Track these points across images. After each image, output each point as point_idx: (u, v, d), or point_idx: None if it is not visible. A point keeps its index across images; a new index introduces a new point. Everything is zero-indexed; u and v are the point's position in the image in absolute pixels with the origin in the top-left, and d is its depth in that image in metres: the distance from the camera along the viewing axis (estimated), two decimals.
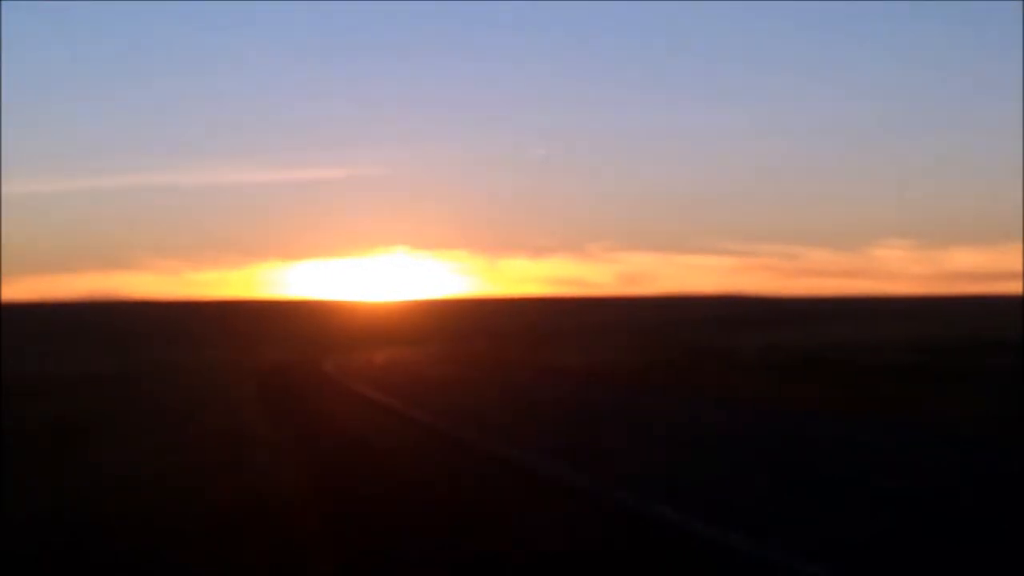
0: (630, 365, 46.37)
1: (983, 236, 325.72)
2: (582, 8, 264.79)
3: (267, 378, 45.25)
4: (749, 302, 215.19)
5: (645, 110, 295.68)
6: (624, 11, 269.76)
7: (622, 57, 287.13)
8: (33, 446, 19.76)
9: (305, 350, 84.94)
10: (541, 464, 15.82)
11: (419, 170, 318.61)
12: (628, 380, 37.68)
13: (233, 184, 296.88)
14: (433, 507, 12.54)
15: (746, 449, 17.75)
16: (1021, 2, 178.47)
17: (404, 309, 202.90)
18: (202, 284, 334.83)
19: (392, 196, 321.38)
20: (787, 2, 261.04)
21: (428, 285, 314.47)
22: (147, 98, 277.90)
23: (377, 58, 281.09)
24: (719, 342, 72.53)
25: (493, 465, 16.17)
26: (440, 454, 17.94)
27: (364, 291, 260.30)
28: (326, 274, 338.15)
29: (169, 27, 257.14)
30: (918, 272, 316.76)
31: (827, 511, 11.81)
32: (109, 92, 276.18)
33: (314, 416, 26.23)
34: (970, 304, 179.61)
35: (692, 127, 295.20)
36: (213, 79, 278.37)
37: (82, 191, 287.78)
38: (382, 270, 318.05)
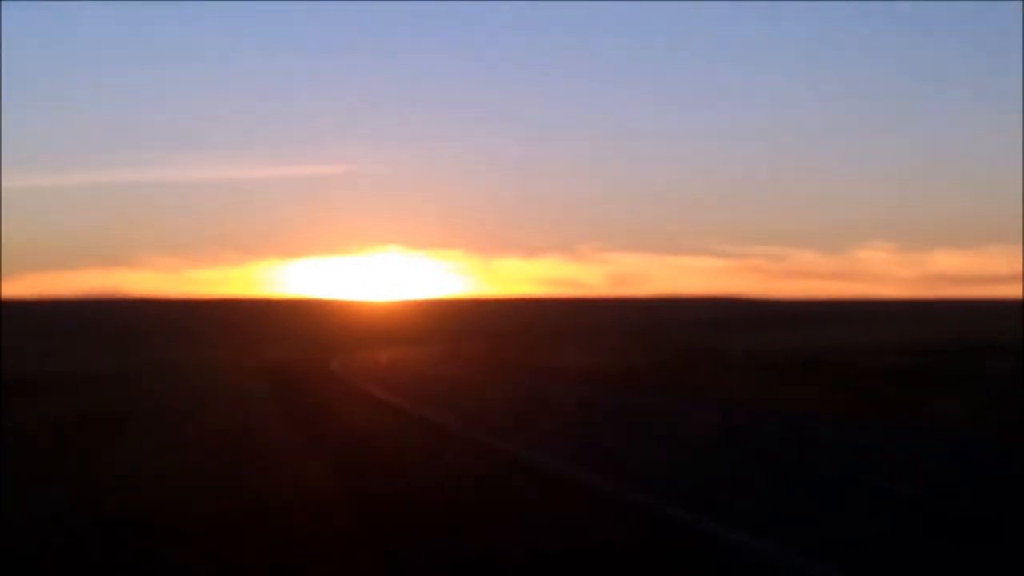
0: (626, 366, 46.45)
1: (966, 239, 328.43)
2: (576, 11, 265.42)
3: (273, 378, 44.83)
4: (739, 303, 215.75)
5: (637, 113, 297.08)
6: (617, 15, 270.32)
7: (615, 61, 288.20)
8: (33, 446, 19.75)
9: (306, 349, 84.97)
10: (547, 463, 15.93)
11: (415, 170, 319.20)
12: (626, 381, 37.73)
13: (231, 181, 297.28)
14: (441, 505, 12.54)
15: (745, 449, 17.76)
16: (1021, 2, 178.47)
17: (402, 308, 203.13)
18: (202, 282, 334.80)
19: (388, 195, 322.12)
20: (778, 6, 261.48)
21: (423, 284, 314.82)
22: (147, 95, 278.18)
23: (375, 59, 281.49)
24: (711, 343, 72.57)
25: (501, 464, 16.32)
26: (450, 453, 18.05)
27: (361, 290, 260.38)
28: (323, 272, 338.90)
29: (170, 25, 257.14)
30: (903, 274, 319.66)
31: (827, 511, 11.81)
32: (110, 89, 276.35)
33: (325, 416, 26.05)
34: (955, 307, 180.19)
35: (682, 130, 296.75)
36: (214, 78, 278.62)
37: (82, 188, 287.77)
38: (377, 269, 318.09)
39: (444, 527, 11.25)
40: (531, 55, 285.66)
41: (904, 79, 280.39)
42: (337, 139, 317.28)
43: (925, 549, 9.83)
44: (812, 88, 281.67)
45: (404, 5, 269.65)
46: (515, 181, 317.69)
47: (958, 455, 16.90)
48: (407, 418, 24.94)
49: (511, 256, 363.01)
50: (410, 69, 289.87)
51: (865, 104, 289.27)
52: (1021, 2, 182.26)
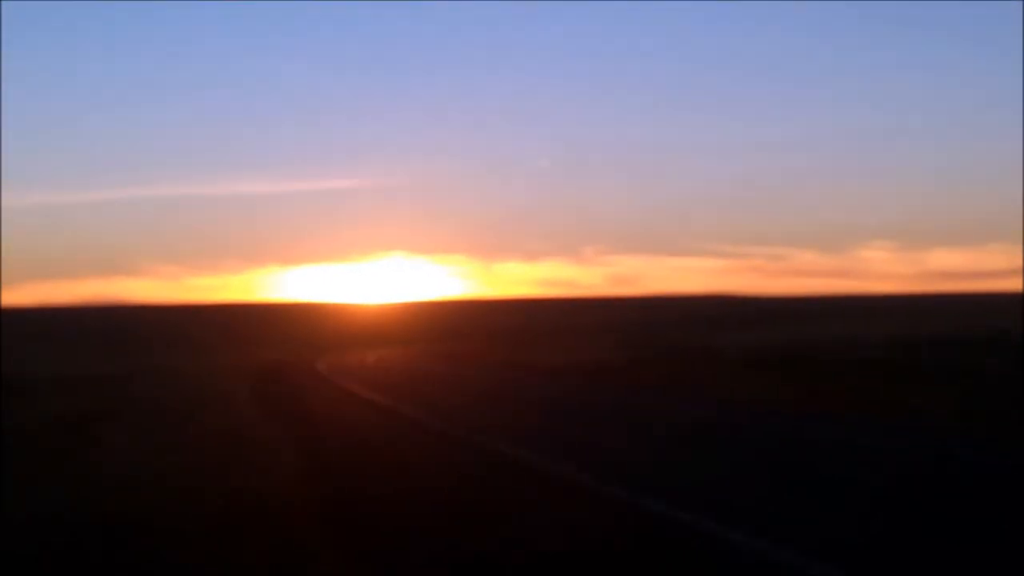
0: (621, 363, 46.68)
1: (964, 238, 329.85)
2: (575, 19, 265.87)
3: (264, 377, 45.56)
4: (738, 302, 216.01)
5: (636, 119, 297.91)
6: (615, 22, 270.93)
7: (614, 68, 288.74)
8: (33, 446, 19.75)
9: (301, 351, 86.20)
10: (525, 456, 16.25)
11: (416, 177, 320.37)
12: (620, 379, 37.82)
13: (232, 192, 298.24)
14: (414, 495, 13.07)
15: (742, 447, 17.77)
16: (1021, 2, 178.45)
17: (400, 310, 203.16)
18: (202, 289, 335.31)
19: (389, 203, 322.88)
20: (774, 11, 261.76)
21: (425, 288, 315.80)
22: (148, 109, 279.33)
23: (373, 69, 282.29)
24: (704, 340, 72.75)
25: (469, 456, 17.08)
26: (423, 445, 18.80)
27: (361, 295, 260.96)
28: (324, 278, 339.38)
29: (170, 39, 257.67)
30: (902, 272, 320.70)
31: (827, 511, 11.78)
32: (111, 103, 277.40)
33: (307, 412, 27.06)
34: (952, 301, 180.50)
35: (681, 134, 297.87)
36: (211, 91, 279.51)
37: (84, 201, 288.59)
38: (380, 274, 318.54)
39: (409, 510, 11.55)
40: (531, 64, 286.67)
41: (903, 80, 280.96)
42: (337, 152, 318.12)
43: (924, 548, 9.81)
44: (812, 90, 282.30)
45: (403, 17, 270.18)
46: (516, 187, 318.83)
47: (956, 451, 16.85)
48: (374, 409, 27.22)
49: (512, 260, 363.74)
50: (407, 81, 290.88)
51: (865, 105, 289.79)
52: (1021, 2, 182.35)
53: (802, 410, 23.71)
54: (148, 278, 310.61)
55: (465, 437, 19.61)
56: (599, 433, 20.33)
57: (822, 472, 14.59)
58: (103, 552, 10.29)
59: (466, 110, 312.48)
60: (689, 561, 9.46)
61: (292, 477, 14.82)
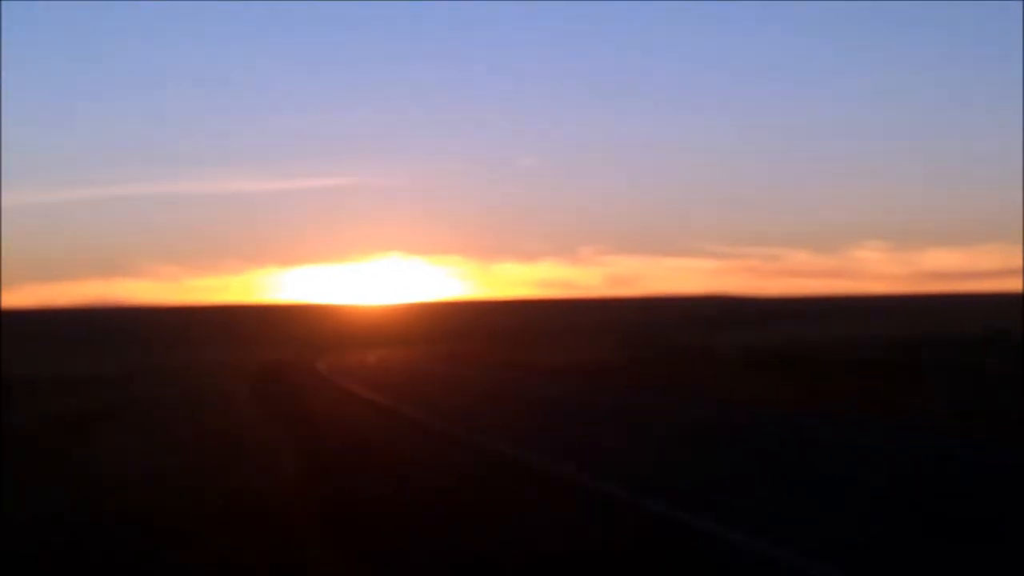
0: (620, 364, 46.73)
1: (958, 238, 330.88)
2: (571, 19, 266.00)
3: (264, 377, 45.59)
4: (734, 302, 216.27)
5: (632, 119, 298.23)
6: (611, 22, 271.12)
7: (609, 69, 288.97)
8: (33, 446, 19.75)
9: (301, 351, 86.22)
10: (525, 457, 16.26)
11: (414, 178, 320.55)
12: (619, 379, 37.85)
13: (231, 193, 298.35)
14: (414, 495, 13.09)
15: (742, 447, 17.77)
16: (1021, 2, 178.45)
17: (399, 311, 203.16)
18: (201, 290, 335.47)
19: (388, 204, 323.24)
20: (768, 11, 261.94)
21: (423, 289, 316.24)
22: (146, 109, 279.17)
23: (371, 70, 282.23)
24: (707, 341, 72.76)
25: (469, 456, 17.11)
26: (423, 445, 18.80)
27: (360, 295, 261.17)
28: (323, 279, 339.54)
29: (170, 39, 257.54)
30: (896, 272, 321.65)
31: (827, 511, 11.78)
32: (109, 103, 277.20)
33: (307, 412, 27.15)
34: (947, 302, 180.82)
35: (677, 135, 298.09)
36: (210, 92, 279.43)
37: (84, 201, 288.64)
38: (378, 275, 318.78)
39: (409, 510, 11.61)
40: (528, 65, 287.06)
41: (899, 80, 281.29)
42: (335, 152, 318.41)
43: (924, 547, 9.81)
44: (807, 91, 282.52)
45: (400, 17, 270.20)
46: (513, 188, 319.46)
47: (957, 453, 16.84)
48: (374, 409, 27.41)
49: (510, 260, 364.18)
50: (405, 82, 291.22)
51: (860, 106, 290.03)
52: (1021, 2, 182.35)
53: (802, 410, 23.72)
54: (148, 279, 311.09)
55: (465, 437, 19.62)
56: (599, 433, 20.34)
57: (822, 472, 14.59)
58: (103, 552, 10.29)
59: (463, 111, 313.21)
60: (689, 561, 9.46)
61: (292, 477, 14.82)
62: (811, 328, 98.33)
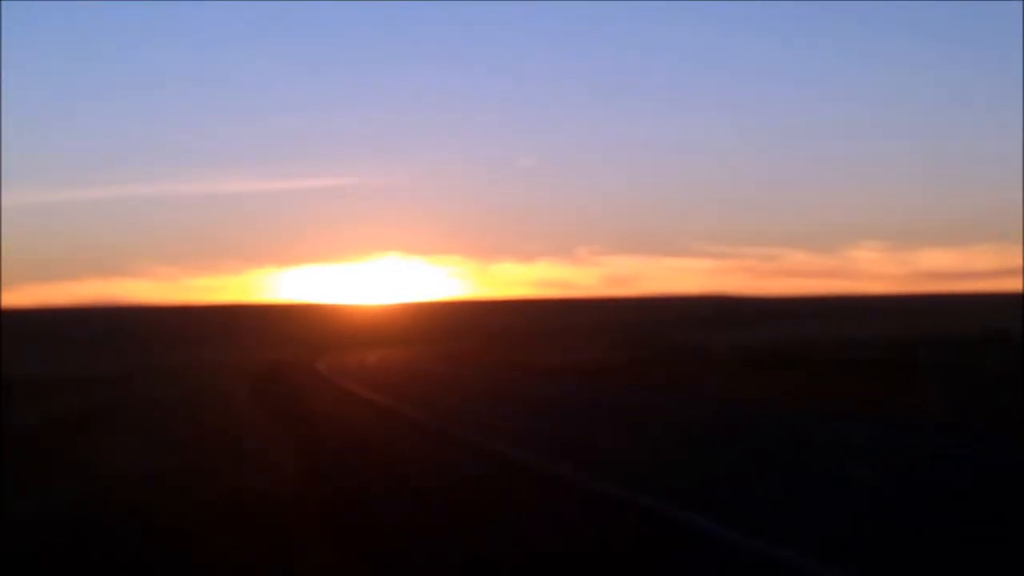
0: (617, 364, 46.76)
1: (954, 238, 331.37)
2: (568, 20, 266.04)
3: (264, 378, 45.61)
4: (731, 302, 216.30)
5: (629, 120, 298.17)
6: (607, 23, 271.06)
7: (607, 69, 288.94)
8: (34, 446, 19.79)
9: (300, 351, 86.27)
10: (523, 456, 16.29)
11: (413, 178, 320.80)
12: (617, 379, 37.88)
13: (229, 193, 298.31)
14: (413, 495, 13.16)
15: (739, 446, 17.81)
16: (1021, 2, 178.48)
17: (397, 311, 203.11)
18: (200, 290, 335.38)
19: (386, 204, 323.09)
20: (765, 11, 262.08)
21: (422, 289, 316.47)
22: (146, 109, 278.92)
23: (370, 70, 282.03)
24: (704, 341, 72.78)
25: (468, 456, 17.17)
26: (422, 445, 18.85)
27: (359, 295, 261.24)
28: (321, 279, 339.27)
29: (168, 40, 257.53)
30: (892, 272, 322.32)
31: (825, 510, 11.82)
32: (109, 103, 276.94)
33: (307, 412, 27.23)
34: (944, 302, 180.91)
35: (674, 135, 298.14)
36: (210, 92, 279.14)
37: (83, 201, 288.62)
38: (376, 275, 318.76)
39: (408, 510, 11.65)
40: (525, 65, 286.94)
41: (896, 81, 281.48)
42: (334, 153, 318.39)
43: (923, 548, 9.85)
44: (804, 92, 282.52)
45: (400, 17, 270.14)
46: (510, 188, 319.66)
47: (954, 453, 16.89)
48: (374, 409, 27.61)
49: (508, 260, 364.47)
50: (403, 82, 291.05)
51: (856, 106, 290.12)
52: (1021, 2, 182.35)
53: (799, 410, 23.76)
54: (147, 279, 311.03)
55: (464, 437, 19.67)
56: (596, 433, 20.39)
57: (820, 471, 14.63)
58: (103, 552, 10.33)
59: (462, 111, 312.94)
60: (686, 561, 9.51)
61: (292, 477, 14.86)
62: (808, 328, 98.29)
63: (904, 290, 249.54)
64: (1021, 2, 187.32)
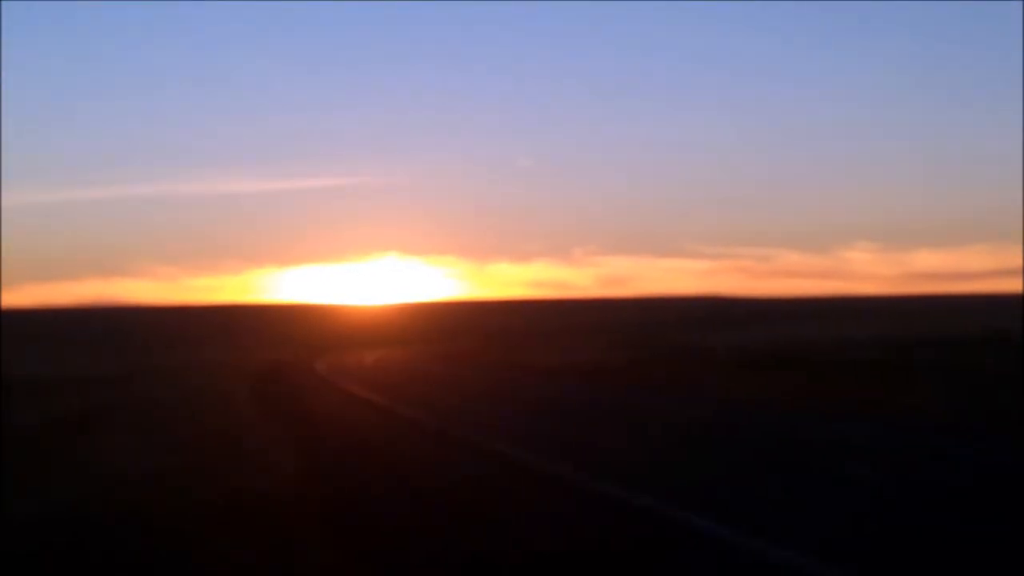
0: (616, 364, 46.80)
1: (947, 239, 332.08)
2: (566, 21, 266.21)
3: (263, 378, 45.63)
4: (726, 303, 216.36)
5: (626, 121, 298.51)
6: (605, 24, 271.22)
7: (603, 71, 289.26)
8: (34, 446, 19.79)
9: (299, 351, 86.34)
10: (523, 456, 16.28)
11: (412, 179, 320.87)
12: (616, 379, 37.91)
13: (229, 193, 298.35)
14: (413, 495, 13.15)
15: (739, 446, 17.82)
16: (1021, 2, 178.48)
17: (395, 311, 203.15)
18: (199, 290, 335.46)
19: (385, 204, 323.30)
20: (761, 13, 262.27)
21: (419, 289, 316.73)
22: (146, 109, 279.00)
23: (368, 71, 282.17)
24: (702, 341, 72.83)
25: (467, 456, 17.17)
26: (422, 446, 18.82)
27: (357, 295, 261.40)
28: (320, 279, 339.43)
29: (168, 41, 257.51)
30: (886, 273, 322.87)
31: (824, 510, 11.82)
32: (109, 103, 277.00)
33: (306, 412, 27.26)
34: (937, 303, 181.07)
35: (670, 137, 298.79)
36: (210, 92, 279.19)
37: (83, 201, 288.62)
38: (374, 275, 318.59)
39: (408, 510, 11.67)
40: (525, 66, 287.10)
41: (891, 82, 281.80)
42: (332, 154, 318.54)
43: (922, 548, 9.86)
44: (799, 93, 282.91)
45: (400, 17, 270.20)
46: (508, 189, 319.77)
47: (953, 452, 16.90)
48: (373, 409, 27.71)
49: (504, 261, 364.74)
50: (401, 83, 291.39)
51: (852, 107, 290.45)
52: (1021, 2, 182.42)
53: (799, 410, 23.78)
54: (147, 279, 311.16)
55: (463, 437, 19.67)
56: (596, 433, 20.39)
57: (820, 471, 14.63)
58: (103, 552, 10.33)
59: (461, 112, 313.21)
60: (686, 561, 9.52)
61: (292, 477, 14.87)
62: (805, 328, 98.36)
63: (897, 291, 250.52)
64: (1021, 2, 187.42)
